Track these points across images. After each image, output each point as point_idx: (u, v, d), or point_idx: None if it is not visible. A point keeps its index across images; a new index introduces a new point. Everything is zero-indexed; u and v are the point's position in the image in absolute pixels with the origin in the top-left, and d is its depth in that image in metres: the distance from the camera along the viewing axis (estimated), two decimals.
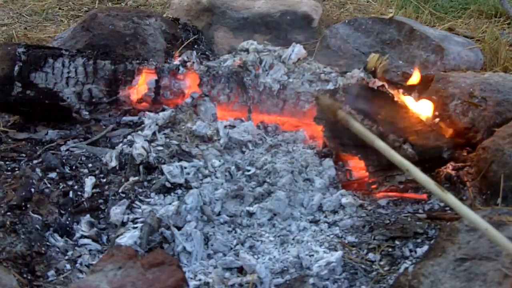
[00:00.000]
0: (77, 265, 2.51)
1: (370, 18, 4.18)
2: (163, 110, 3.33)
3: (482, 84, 3.22)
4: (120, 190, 2.82)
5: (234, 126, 3.17)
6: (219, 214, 2.72)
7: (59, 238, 2.61)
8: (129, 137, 3.12)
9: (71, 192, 2.83)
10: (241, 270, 2.45)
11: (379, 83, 3.28)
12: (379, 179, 2.87)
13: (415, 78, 3.42)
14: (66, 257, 2.53)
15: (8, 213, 2.58)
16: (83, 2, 5.25)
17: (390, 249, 2.57)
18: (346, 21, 4.22)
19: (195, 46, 4.10)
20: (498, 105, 3.09)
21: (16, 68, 3.27)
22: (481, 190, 2.84)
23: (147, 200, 2.77)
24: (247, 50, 3.54)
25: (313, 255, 2.51)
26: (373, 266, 2.49)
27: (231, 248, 2.58)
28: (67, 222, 2.69)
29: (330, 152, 3.02)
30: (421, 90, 3.36)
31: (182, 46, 4.02)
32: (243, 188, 2.82)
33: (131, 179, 2.87)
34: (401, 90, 3.32)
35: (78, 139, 3.26)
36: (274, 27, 4.26)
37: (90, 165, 3.03)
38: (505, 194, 2.71)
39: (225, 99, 3.39)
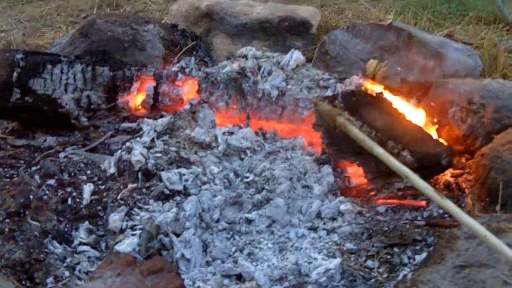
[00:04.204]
0: (76, 272, 2.50)
1: (368, 24, 4.18)
2: (162, 116, 3.34)
3: (481, 91, 3.21)
4: (118, 197, 2.82)
5: (232, 133, 3.17)
6: (217, 221, 2.72)
7: (57, 245, 2.60)
8: (127, 143, 3.12)
9: (69, 199, 2.83)
10: (239, 277, 2.44)
11: (377, 89, 3.27)
12: (378, 186, 2.86)
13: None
14: (65, 264, 2.52)
15: (7, 220, 2.57)
16: (82, 8, 5.25)
17: (388, 256, 2.55)
18: (345, 27, 4.21)
19: (194, 52, 4.10)
20: (497, 111, 3.08)
21: (15, 74, 3.26)
22: (479, 197, 2.82)
23: (146, 207, 2.77)
24: (245, 56, 3.54)
25: (311, 262, 2.50)
26: (372, 273, 2.47)
27: (230, 255, 2.57)
28: (66, 229, 2.68)
29: (328, 159, 3.02)
30: (420, 96, 3.35)
31: (181, 52, 4.01)
32: (241, 195, 2.81)
33: (130, 186, 2.87)
34: (399, 96, 3.31)
35: (76, 146, 3.26)
36: (272, 33, 4.26)
37: (88, 171, 3.03)
38: (503, 201, 2.69)
39: (223, 106, 3.39)
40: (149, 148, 3.01)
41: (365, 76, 3.39)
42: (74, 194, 2.87)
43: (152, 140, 3.07)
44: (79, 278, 2.47)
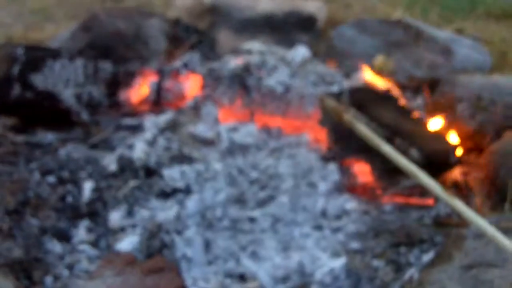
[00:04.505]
0: (75, 271, 2.47)
1: (376, 20, 4.14)
2: (164, 112, 3.30)
3: (490, 87, 3.20)
4: (119, 195, 2.79)
5: (236, 129, 3.14)
6: (220, 219, 2.68)
7: (57, 243, 2.57)
8: (129, 140, 3.09)
9: (69, 196, 2.80)
10: (242, 277, 2.43)
11: (385, 85, 3.25)
12: (385, 183, 2.83)
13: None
14: (64, 263, 2.50)
15: (5, 218, 2.56)
16: (84, 2, 5.21)
17: (395, 256, 2.52)
18: (352, 23, 4.18)
19: (197, 47, 4.07)
20: (506, 108, 3.07)
21: (15, 69, 3.23)
22: (488, 195, 2.81)
23: (147, 204, 2.74)
24: (250, 51, 3.52)
25: (316, 262, 2.48)
26: (378, 273, 2.44)
27: (233, 254, 2.54)
28: (65, 227, 2.65)
29: (334, 156, 2.98)
30: (428, 93, 3.34)
31: (184, 47, 3.98)
32: (245, 193, 2.78)
33: (131, 183, 2.84)
34: (407, 93, 3.29)
35: (77, 142, 3.22)
36: (278, 28, 4.22)
37: (89, 168, 2.99)
38: None
39: (227, 102, 3.35)
40: (150, 144, 2.99)
41: (372, 72, 3.36)
42: (74, 191, 2.84)
43: (154, 137, 3.05)
44: (79, 277, 2.43)
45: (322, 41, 4.16)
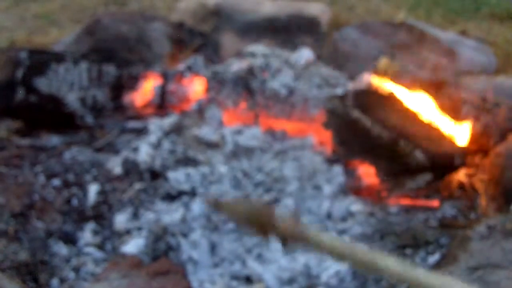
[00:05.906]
0: (81, 273, 2.48)
1: (380, 22, 4.13)
2: (169, 115, 3.29)
3: (495, 89, 3.18)
4: (124, 197, 2.79)
5: (240, 132, 3.13)
6: (225, 221, 2.67)
7: (62, 246, 2.58)
8: (133, 143, 3.08)
9: (74, 199, 2.80)
10: (248, 279, 2.42)
11: (389, 87, 3.24)
12: (390, 185, 2.82)
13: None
14: (70, 265, 2.50)
15: (11, 221, 2.55)
16: (87, 6, 5.21)
17: (400, 258, 2.50)
18: (356, 25, 4.17)
19: (201, 50, 4.07)
20: (511, 110, 3.05)
21: (19, 73, 3.23)
22: (493, 197, 2.79)
23: (152, 207, 2.73)
24: (254, 54, 3.51)
25: (322, 264, 2.47)
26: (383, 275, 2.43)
27: (238, 257, 2.53)
28: (71, 230, 2.65)
29: (339, 158, 2.98)
30: (432, 94, 3.32)
31: (188, 50, 3.98)
32: (250, 195, 2.77)
33: (136, 186, 2.83)
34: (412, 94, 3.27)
35: (82, 145, 3.23)
36: (281, 30, 4.21)
37: (94, 171, 2.99)
38: None
39: (231, 105, 3.35)
40: (155, 147, 2.98)
41: (376, 74, 3.34)
42: (79, 194, 2.84)
43: (159, 140, 3.04)
44: (85, 280, 2.44)
45: (325, 44, 4.15)
